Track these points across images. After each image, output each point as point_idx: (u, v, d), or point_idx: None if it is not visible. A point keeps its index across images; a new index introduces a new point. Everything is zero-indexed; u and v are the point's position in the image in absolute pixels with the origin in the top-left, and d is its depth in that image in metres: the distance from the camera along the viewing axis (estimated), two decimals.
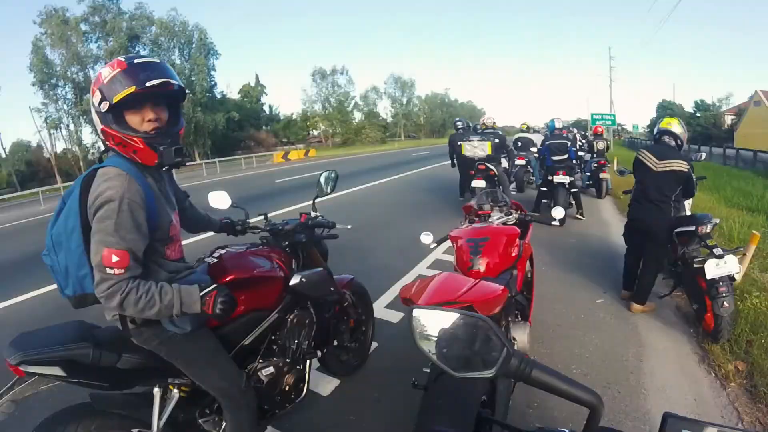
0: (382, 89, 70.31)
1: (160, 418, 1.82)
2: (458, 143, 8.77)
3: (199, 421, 2.03)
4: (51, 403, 1.84)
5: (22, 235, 11.55)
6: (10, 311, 5.29)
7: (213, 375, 1.88)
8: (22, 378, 1.66)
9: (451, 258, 5.56)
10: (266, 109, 61.56)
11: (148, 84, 1.54)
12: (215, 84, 49.00)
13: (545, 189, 7.79)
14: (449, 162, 9.86)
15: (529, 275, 2.96)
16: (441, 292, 1.94)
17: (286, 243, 2.49)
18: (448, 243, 3.03)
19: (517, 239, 2.72)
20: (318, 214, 2.70)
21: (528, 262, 3.00)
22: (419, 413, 1.72)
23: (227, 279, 1.99)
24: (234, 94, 57.17)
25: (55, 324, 1.81)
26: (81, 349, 1.65)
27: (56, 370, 1.62)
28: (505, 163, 8.99)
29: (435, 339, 0.91)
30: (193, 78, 43.95)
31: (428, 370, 2.02)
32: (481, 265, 2.52)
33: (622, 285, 4.32)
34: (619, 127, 42.27)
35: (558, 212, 3.12)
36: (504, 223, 2.95)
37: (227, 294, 1.72)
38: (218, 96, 50.56)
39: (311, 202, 2.83)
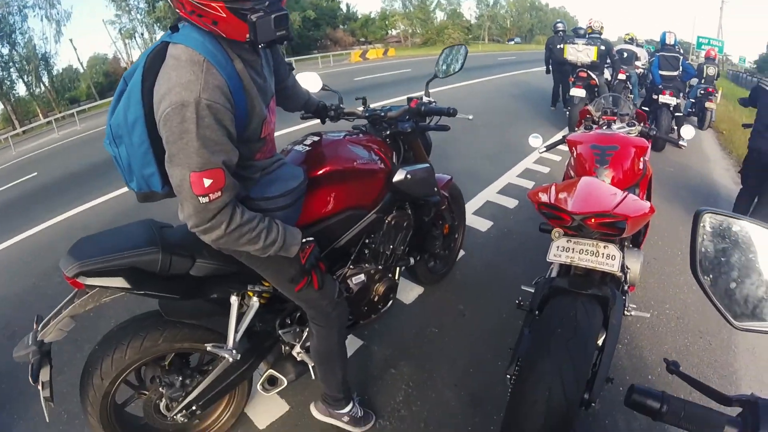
0: None
1: (237, 330, 1.62)
2: (559, 46, 8.08)
3: (279, 332, 1.84)
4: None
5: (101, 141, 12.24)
6: (85, 215, 5.58)
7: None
8: (82, 291, 1.46)
9: (542, 168, 5.33)
10: (343, 7, 58.88)
11: None
12: None
13: (647, 109, 6.83)
14: (537, 69, 8.98)
15: (646, 198, 2.58)
16: (593, 201, 1.64)
17: (388, 132, 2.14)
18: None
19: (644, 154, 2.38)
20: (432, 99, 2.28)
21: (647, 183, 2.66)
22: (528, 339, 1.56)
23: (323, 171, 1.72)
24: None
25: (119, 226, 1.58)
26: (147, 255, 1.41)
27: (119, 281, 1.38)
28: (607, 74, 8.04)
29: (724, 263, 0.70)
30: None
31: (530, 289, 1.83)
32: (606, 177, 2.20)
33: None
34: (725, 57, 36.60)
35: (688, 132, 2.65)
36: (627, 134, 2.57)
37: (318, 252, 1.56)
38: None
39: (424, 84, 2.41)
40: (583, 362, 1.40)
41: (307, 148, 1.81)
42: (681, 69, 7.02)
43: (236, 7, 1.14)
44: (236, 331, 1.62)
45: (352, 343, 2.45)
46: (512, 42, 62.18)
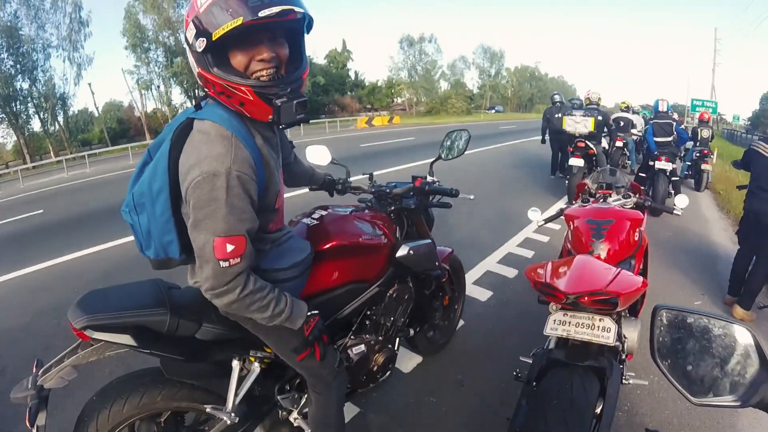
0: (471, 59, 68.54)
1: (237, 393, 1.63)
2: (557, 115, 8.36)
3: (278, 397, 1.84)
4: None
5: (112, 186, 12.43)
6: (85, 261, 5.61)
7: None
8: (86, 342, 1.48)
9: (542, 237, 5.41)
10: (352, 75, 61.37)
11: (261, 14, 1.13)
12: None
13: (643, 175, 7.18)
14: (537, 138, 9.31)
15: (642, 268, 2.63)
16: (586, 280, 1.70)
17: (392, 208, 2.23)
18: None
19: (639, 226, 2.44)
20: (435, 179, 2.39)
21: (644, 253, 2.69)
22: (525, 410, 1.58)
23: (329, 245, 1.78)
24: (320, 59, 57.43)
25: (128, 282, 1.61)
26: (156, 316, 1.44)
27: (126, 339, 1.42)
28: (604, 142, 8.40)
29: (680, 350, 0.77)
30: None
31: (528, 360, 1.86)
32: (602, 250, 2.25)
33: (728, 289, 3.85)
34: (719, 117, 37.97)
35: (682, 201, 2.75)
36: (622, 206, 2.64)
37: (322, 325, 1.59)
38: None
39: (429, 164, 2.52)
40: None
41: (315, 221, 1.89)
42: (675, 134, 7.27)
43: (263, 92, 1.25)
44: (236, 395, 1.63)
45: (349, 410, 2.41)
46: (492, 110, 62.92)
